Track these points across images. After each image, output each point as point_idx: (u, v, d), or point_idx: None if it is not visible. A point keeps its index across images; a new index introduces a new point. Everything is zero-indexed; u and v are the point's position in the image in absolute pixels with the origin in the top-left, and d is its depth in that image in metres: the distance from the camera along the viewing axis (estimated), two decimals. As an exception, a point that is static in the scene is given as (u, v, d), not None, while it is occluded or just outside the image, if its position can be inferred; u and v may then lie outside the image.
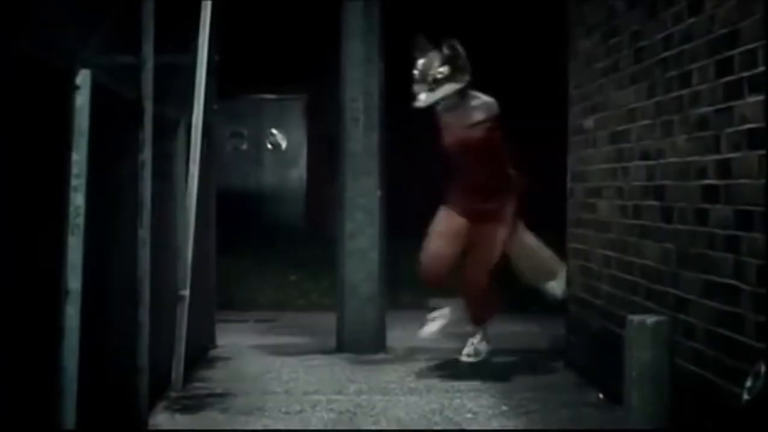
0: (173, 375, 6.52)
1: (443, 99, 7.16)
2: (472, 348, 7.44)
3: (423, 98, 7.14)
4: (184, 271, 6.73)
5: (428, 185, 14.24)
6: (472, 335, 7.49)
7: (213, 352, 7.91)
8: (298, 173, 17.55)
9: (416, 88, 7.18)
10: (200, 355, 7.53)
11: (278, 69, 15.92)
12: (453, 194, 7.37)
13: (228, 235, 9.23)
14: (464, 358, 7.40)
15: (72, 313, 4.20)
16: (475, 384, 6.78)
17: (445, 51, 7.10)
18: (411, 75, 7.23)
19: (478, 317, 7.43)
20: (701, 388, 4.83)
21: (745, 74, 4.35)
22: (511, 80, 12.42)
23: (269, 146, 17.77)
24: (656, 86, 5.55)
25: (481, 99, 7.23)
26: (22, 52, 3.66)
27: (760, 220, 4.15)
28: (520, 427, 5.73)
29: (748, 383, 3.92)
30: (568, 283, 7.42)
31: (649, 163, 5.65)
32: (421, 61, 7.18)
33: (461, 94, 7.18)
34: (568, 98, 7.46)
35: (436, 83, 7.09)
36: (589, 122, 6.91)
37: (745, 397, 3.92)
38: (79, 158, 4.24)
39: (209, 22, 7.06)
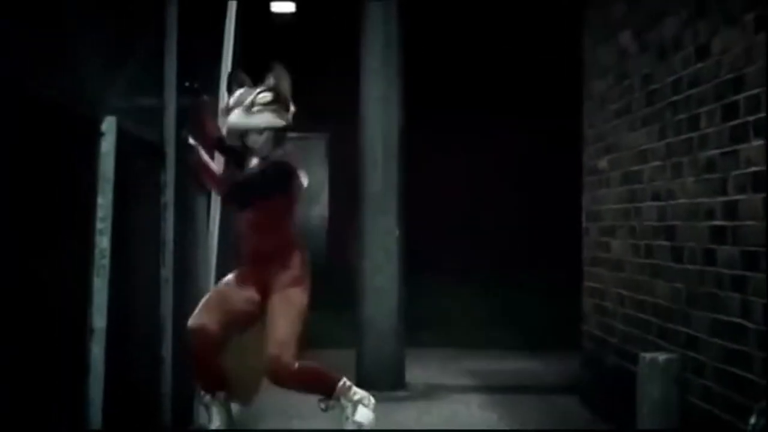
0: (195, 409, 6.65)
1: (259, 130, 5.81)
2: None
3: (235, 116, 5.76)
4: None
5: (448, 224, 14.49)
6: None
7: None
8: (319, 211, 17.69)
9: (230, 114, 5.81)
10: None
11: (301, 108, 16.16)
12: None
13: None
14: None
15: (97, 351, 4.35)
16: (492, 420, 6.88)
17: (271, 79, 5.86)
18: (223, 107, 6.00)
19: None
20: (710, 424, 4.93)
21: (750, 118, 4.48)
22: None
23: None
24: (666, 128, 5.68)
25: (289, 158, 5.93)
26: (51, 100, 3.82)
27: (765, 261, 4.26)
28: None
29: (752, 420, 4.02)
30: (584, 320, 7.53)
31: (660, 203, 5.78)
32: (238, 91, 5.84)
33: (276, 140, 5.86)
34: (582, 138, 7.60)
35: (255, 109, 5.82)
36: (602, 162, 7.04)
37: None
38: (104, 202, 4.40)
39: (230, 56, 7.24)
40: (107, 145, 4.42)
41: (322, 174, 17.62)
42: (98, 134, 4.38)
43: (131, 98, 5.20)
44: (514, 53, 14.55)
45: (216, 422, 6.06)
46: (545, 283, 10.95)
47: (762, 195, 4.25)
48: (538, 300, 11.20)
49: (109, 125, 4.44)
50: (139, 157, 5.15)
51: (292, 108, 5.96)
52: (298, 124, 6.20)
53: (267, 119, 5.77)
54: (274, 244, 5.78)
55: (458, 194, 14.28)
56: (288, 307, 5.79)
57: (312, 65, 15.85)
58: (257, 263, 5.76)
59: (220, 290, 5.89)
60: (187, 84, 6.07)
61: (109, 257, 4.42)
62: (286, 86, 5.88)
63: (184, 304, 6.27)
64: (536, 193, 13.61)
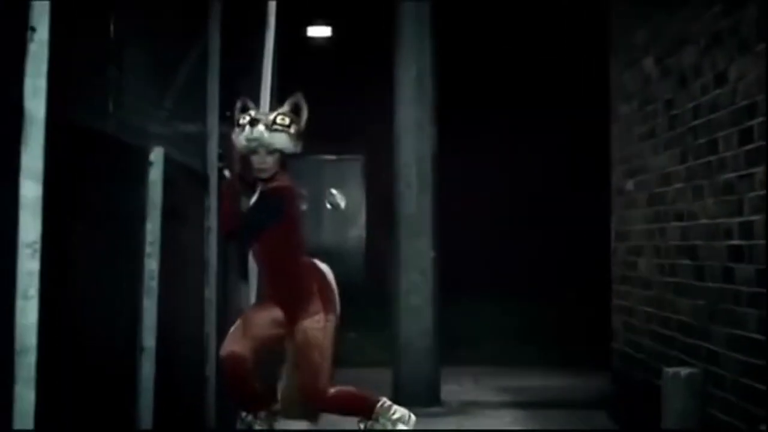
0: (238, 425, 6.93)
1: (273, 149, 5.86)
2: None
3: (260, 129, 5.82)
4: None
5: (481, 245, 14.76)
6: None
7: (275, 407, 8.29)
8: (357, 232, 17.97)
9: (253, 127, 5.85)
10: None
11: (338, 130, 16.48)
12: None
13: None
14: None
15: (147, 369, 4.65)
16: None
17: (288, 105, 6.01)
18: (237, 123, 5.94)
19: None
20: (730, 434, 5.17)
21: (763, 143, 4.72)
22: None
23: (328, 206, 18.23)
24: (688, 152, 5.94)
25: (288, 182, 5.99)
26: (106, 133, 4.13)
27: (777, 278, 4.51)
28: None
29: (763, 428, 4.26)
30: (614, 337, 7.76)
31: (683, 224, 6.03)
32: (252, 111, 5.94)
33: (282, 162, 5.96)
34: (610, 160, 7.86)
35: (275, 127, 5.91)
36: (629, 184, 7.29)
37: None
38: (152, 227, 4.70)
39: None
40: (155, 174, 4.73)
41: (359, 195, 17.91)
42: (147, 164, 4.70)
43: (177, 128, 5.52)
44: (551, 76, 14.86)
45: None
46: (576, 300, 11.20)
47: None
48: (570, 317, 11.44)
49: (157, 155, 4.75)
50: (184, 183, 5.45)
51: (302, 138, 6.13)
52: (336, 146, 6.53)
53: (283, 140, 5.95)
54: (287, 275, 5.97)
55: (490, 216, 14.57)
56: (315, 336, 6.04)
57: (347, 88, 16.20)
58: (276, 294, 5.98)
59: (246, 316, 6.11)
60: (228, 113, 6.36)
61: (158, 279, 4.73)
62: (303, 114, 6.14)
63: (226, 324, 6.56)
64: (566, 214, 13.85)
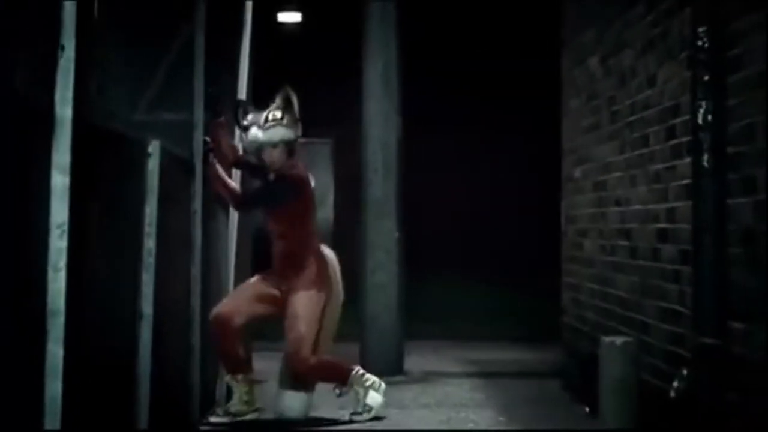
0: (217, 392, 7.65)
1: (273, 143, 6.91)
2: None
3: (254, 132, 6.89)
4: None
5: (446, 227, 15.52)
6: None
7: (251, 375, 9.01)
8: (325, 213, 18.64)
9: (247, 132, 6.97)
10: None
11: (307, 114, 17.16)
12: None
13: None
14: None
15: (146, 332, 5.38)
16: (479, 400, 7.90)
17: (279, 99, 7.00)
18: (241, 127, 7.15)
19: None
20: (659, 397, 5.93)
21: (683, 140, 5.49)
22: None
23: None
24: (625, 144, 6.70)
25: (298, 170, 7.07)
26: (115, 132, 4.85)
27: (693, 257, 5.27)
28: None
29: (675, 384, 5.04)
30: (564, 312, 8.54)
31: (621, 209, 6.80)
32: (251, 114, 7.03)
33: (289, 150, 7.01)
34: (561, 150, 8.64)
35: (269, 125, 6.90)
36: (577, 172, 8.06)
37: (672, 394, 5.05)
38: (150, 211, 5.42)
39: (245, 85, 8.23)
40: (153, 164, 5.45)
41: (327, 178, 18.58)
42: (146, 155, 5.42)
43: (167, 120, 6.25)
44: (508, 70, 15.66)
45: (235, 401, 7.13)
46: (534, 279, 11.98)
47: (690, 203, 5.25)
48: (529, 295, 12.26)
49: (154, 147, 5.47)
50: (174, 171, 6.16)
51: (300, 123, 7.12)
52: (305, 130, 7.27)
53: (280, 133, 6.99)
54: (290, 249, 6.91)
55: (455, 200, 15.35)
56: (303, 308, 6.89)
57: (317, 73, 16.87)
58: (278, 265, 6.87)
59: (248, 283, 7.09)
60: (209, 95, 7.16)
61: (154, 256, 5.47)
62: (293, 103, 7.02)
63: (209, 297, 7.29)
64: (523, 198, 14.63)
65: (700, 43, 4.95)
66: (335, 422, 7.14)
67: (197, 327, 6.75)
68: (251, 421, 7.15)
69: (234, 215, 7.97)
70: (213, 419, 7.21)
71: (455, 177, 15.81)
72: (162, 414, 5.86)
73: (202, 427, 6.90)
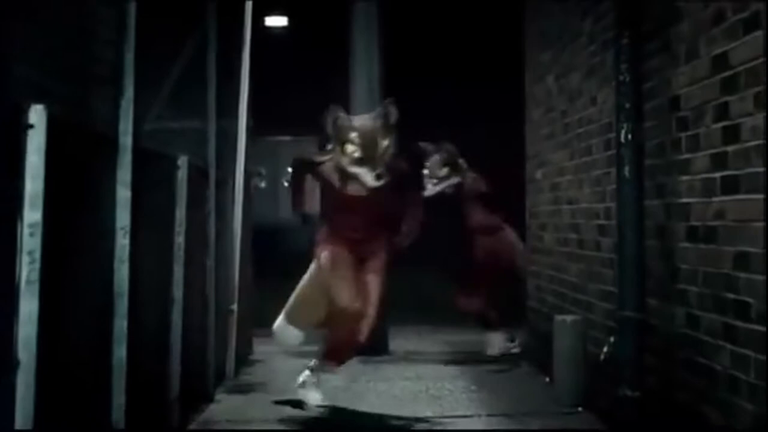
0: (227, 368, 9.00)
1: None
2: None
3: (371, 178, 7.51)
4: (232, 291, 9.21)
5: (424, 223, 16.88)
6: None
7: (251, 357, 10.37)
8: (313, 208, 19.80)
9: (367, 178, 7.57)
10: (243, 358, 9.98)
11: (294, 113, 18.43)
12: None
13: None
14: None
15: (176, 313, 6.72)
16: (455, 373, 9.25)
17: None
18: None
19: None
20: (604, 366, 7.29)
21: (613, 152, 6.84)
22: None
23: (285, 184, 20.16)
24: (575, 152, 8.06)
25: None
26: (153, 151, 6.18)
27: (620, 247, 6.63)
28: (484, 398, 8.20)
29: (605, 349, 6.41)
30: (528, 297, 9.91)
31: (572, 207, 8.17)
32: (345, 120, 7.77)
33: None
34: (525, 155, 10.01)
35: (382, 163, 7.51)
36: (538, 174, 9.43)
37: (602, 357, 6.43)
38: (179, 214, 6.75)
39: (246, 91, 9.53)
40: (182, 175, 6.79)
41: (314, 173, 19.82)
42: (176, 168, 6.76)
43: (192, 139, 7.60)
44: (482, 83, 17.12)
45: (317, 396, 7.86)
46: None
47: (616, 203, 6.61)
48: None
49: (182, 161, 6.81)
50: (195, 178, 7.47)
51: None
52: (292, 129, 8.62)
53: (389, 153, 7.63)
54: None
55: (434, 198, 16.70)
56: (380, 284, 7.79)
57: (303, 74, 18.16)
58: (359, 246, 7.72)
59: (345, 275, 7.65)
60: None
61: (184, 251, 6.81)
62: (392, 117, 7.66)
63: (219, 285, 8.63)
64: (496, 197, 15.96)
65: (621, 77, 6.30)
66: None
67: (212, 311, 8.11)
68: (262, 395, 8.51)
69: (238, 214, 9.31)
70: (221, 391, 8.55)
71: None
72: (185, 383, 7.20)
73: (217, 397, 8.24)
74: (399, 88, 12.39)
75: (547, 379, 8.67)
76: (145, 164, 5.89)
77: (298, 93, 18.02)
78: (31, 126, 3.87)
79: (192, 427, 7.16)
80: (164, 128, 7.58)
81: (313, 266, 8.00)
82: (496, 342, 10.04)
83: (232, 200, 9.31)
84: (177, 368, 6.75)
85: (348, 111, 10.94)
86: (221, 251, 8.66)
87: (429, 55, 17.97)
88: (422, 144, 10.02)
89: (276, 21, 19.76)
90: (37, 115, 3.89)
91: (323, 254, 7.76)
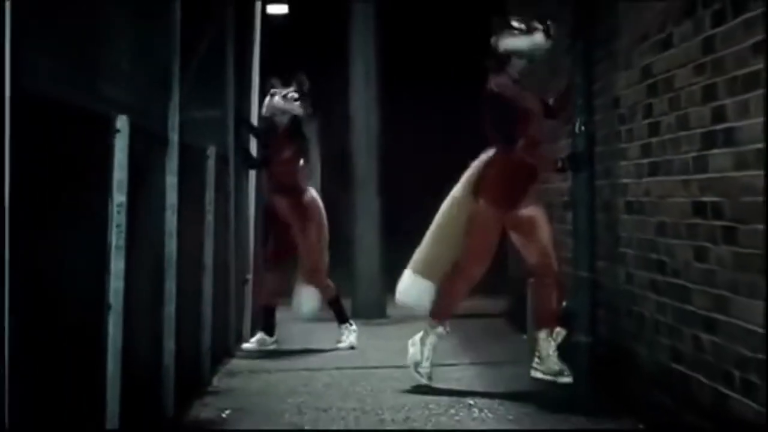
0: (244, 330, 10.45)
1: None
2: None
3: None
4: (247, 262, 10.69)
5: (420, 200, 18.42)
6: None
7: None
8: (313, 184, 21.16)
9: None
10: (255, 323, 11.34)
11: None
12: None
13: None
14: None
15: (207, 279, 8.18)
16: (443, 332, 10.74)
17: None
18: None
19: None
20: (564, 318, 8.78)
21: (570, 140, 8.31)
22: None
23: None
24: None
25: None
26: (190, 144, 7.64)
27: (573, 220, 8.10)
28: (469, 351, 9.70)
29: (564, 304, 7.90)
30: (509, 266, 11.40)
31: (546, 185, 9.64)
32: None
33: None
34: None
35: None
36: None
37: (562, 312, 7.94)
38: (209, 197, 8.21)
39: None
40: (210, 164, 8.26)
41: (314, 152, 21.21)
42: (206, 157, 8.22)
43: (216, 130, 9.07)
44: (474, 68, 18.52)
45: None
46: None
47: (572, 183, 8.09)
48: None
49: (211, 151, 8.28)
50: (220, 165, 8.93)
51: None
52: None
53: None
54: None
55: (429, 175, 18.21)
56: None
57: (303, 57, 19.52)
58: None
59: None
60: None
61: (213, 227, 8.30)
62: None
63: (238, 258, 10.11)
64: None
65: (576, 78, 7.77)
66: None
67: (233, 278, 9.62)
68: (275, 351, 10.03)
69: (251, 194, 10.81)
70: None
71: (430, 156, 18.80)
72: (212, 339, 8.60)
73: (237, 354, 9.75)
74: (395, 79, 13.95)
75: (524, 336, 10.17)
76: (183, 154, 7.31)
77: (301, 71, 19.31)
78: (118, 131, 5.32)
79: (219, 375, 8.65)
80: (186, 117, 8.95)
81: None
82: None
83: (246, 183, 10.80)
84: (209, 325, 8.23)
85: (343, 91, 12.39)
86: (238, 227, 10.13)
87: (425, 48, 19.47)
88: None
89: (277, 9, 20.96)
90: (121, 122, 5.34)
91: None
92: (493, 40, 7.85)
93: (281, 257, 10.28)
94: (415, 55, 19.20)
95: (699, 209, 5.76)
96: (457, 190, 8.10)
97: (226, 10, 9.51)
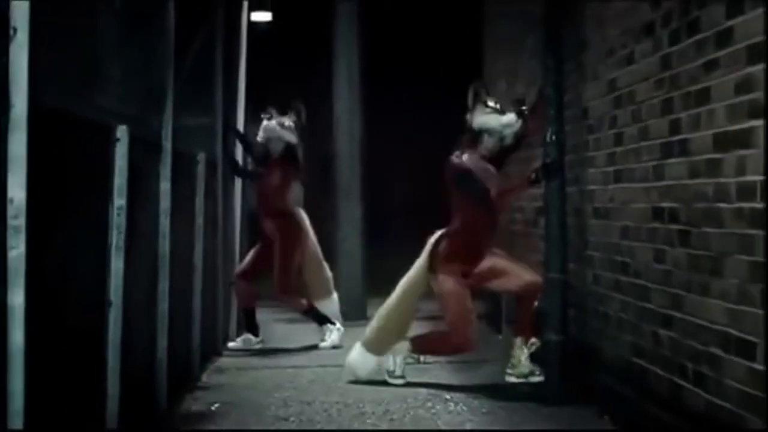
0: (230, 330, 10.88)
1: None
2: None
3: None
4: (234, 265, 11.11)
5: (401, 205, 18.89)
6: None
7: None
8: (297, 189, 21.62)
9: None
10: (240, 323, 11.83)
11: (279, 98, 20.21)
12: None
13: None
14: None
15: (197, 278, 8.61)
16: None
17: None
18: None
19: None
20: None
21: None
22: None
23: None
24: (521, 149, 10.02)
25: None
26: (181, 150, 8.08)
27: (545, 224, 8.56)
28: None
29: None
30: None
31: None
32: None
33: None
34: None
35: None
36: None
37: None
38: (198, 202, 8.64)
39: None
40: (200, 169, 8.70)
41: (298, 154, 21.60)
42: (196, 163, 8.66)
43: (205, 136, 9.50)
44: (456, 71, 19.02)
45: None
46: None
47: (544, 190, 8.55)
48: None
49: (200, 157, 8.72)
50: (208, 170, 9.35)
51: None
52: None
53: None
54: None
55: (410, 181, 18.74)
56: None
57: (286, 63, 19.89)
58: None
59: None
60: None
61: (202, 230, 8.74)
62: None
63: (225, 260, 10.54)
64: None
65: (548, 89, 8.23)
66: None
67: (221, 279, 10.05)
68: (260, 349, 10.47)
69: (238, 200, 11.25)
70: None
71: (413, 159, 19.19)
72: (201, 337, 9.03)
73: (224, 352, 10.19)
74: (378, 84, 14.32)
75: (500, 337, 10.63)
76: (175, 161, 7.69)
77: (282, 81, 19.74)
78: (118, 139, 5.76)
79: (208, 372, 9.08)
80: (177, 125, 9.31)
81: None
82: None
83: (233, 188, 11.23)
84: (198, 323, 8.67)
85: (326, 99, 12.74)
86: (225, 231, 10.54)
87: (407, 53, 19.91)
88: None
89: (260, 16, 21.33)
90: (121, 132, 5.78)
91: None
92: (468, 117, 8.32)
93: (256, 269, 10.78)
94: (399, 60, 19.64)
95: (657, 214, 6.25)
96: (413, 270, 8.94)
97: (216, 19, 9.87)
